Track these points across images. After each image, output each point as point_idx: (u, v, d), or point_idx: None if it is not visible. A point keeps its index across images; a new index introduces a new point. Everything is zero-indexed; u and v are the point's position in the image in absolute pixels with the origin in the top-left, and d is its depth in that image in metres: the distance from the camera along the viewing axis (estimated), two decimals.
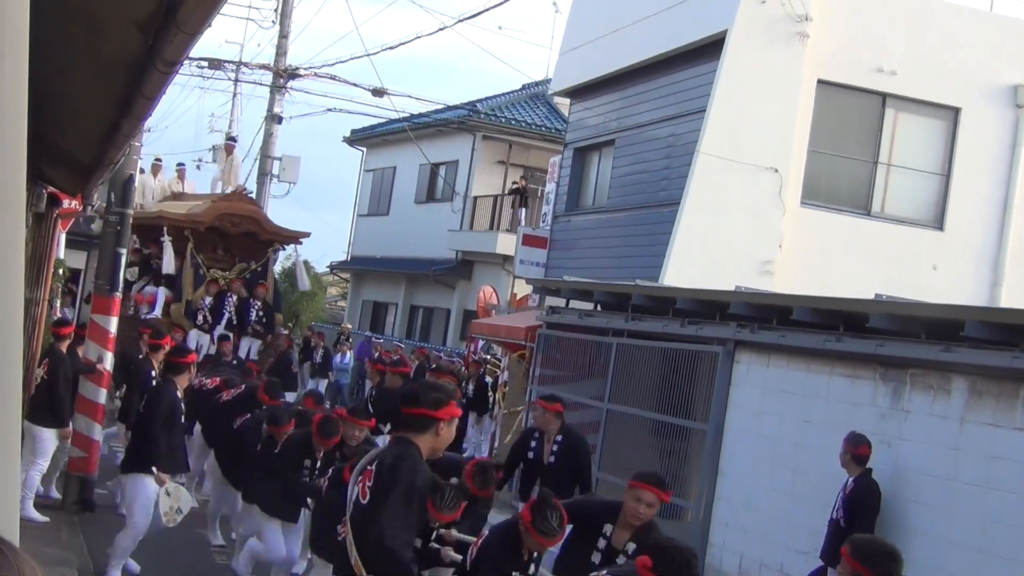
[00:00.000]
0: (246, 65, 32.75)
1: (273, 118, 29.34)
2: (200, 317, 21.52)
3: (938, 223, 20.21)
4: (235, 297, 21.87)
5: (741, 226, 18.90)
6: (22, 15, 2.08)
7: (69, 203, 14.26)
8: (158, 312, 21.56)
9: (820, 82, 19.40)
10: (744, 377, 12.45)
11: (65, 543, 11.44)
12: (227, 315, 21.71)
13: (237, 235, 22.48)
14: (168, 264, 21.80)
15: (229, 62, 32.80)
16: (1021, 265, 20.05)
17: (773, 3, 18.80)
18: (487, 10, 37.73)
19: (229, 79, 33.68)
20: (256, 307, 22.05)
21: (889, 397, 10.22)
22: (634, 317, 14.91)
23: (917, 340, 9.92)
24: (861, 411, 10.51)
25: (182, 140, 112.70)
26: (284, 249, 24.41)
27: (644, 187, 21.09)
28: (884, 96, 19.83)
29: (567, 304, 17.53)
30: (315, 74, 29.42)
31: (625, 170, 22.02)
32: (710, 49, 19.42)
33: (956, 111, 20.08)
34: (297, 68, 29.62)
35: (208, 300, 21.67)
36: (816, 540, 10.37)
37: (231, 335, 20.93)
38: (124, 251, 13.59)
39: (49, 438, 12.53)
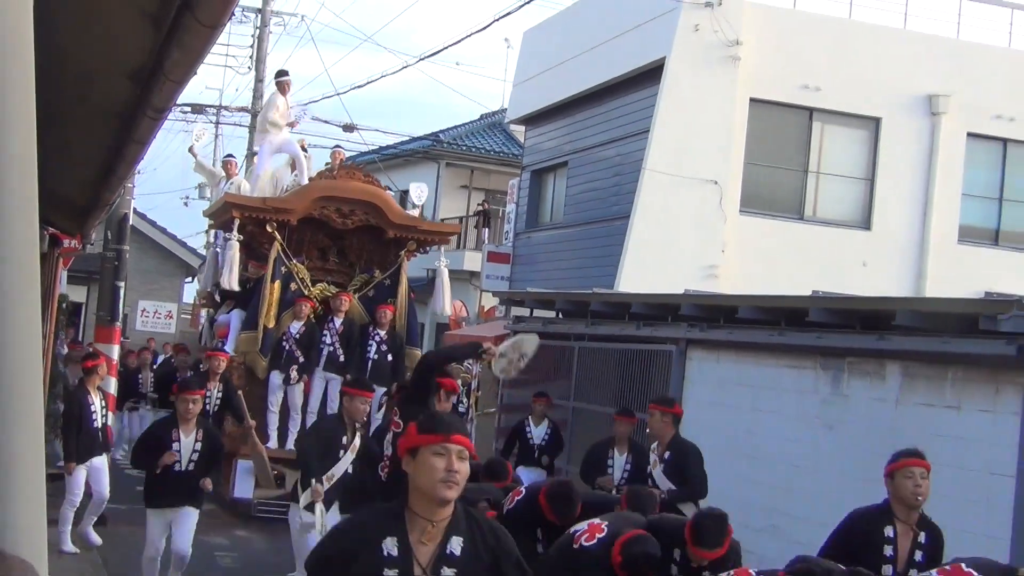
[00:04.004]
0: (226, 108, 32.75)
1: (253, 157, 29.21)
2: (285, 352, 14.13)
3: (865, 223, 20.35)
4: (338, 322, 14.41)
5: (687, 235, 18.96)
6: (27, 70, 2.06)
7: (69, 242, 14.09)
8: (230, 347, 14.31)
9: (752, 100, 19.50)
10: (697, 373, 12.47)
11: (80, 556, 11.30)
12: (327, 350, 14.34)
13: (351, 231, 14.94)
14: (230, 275, 14.32)
15: (210, 106, 32.82)
16: (942, 258, 20.21)
17: (706, 30, 18.90)
18: (445, 48, 38.16)
19: (211, 122, 33.60)
20: (378, 339, 14.52)
21: (830, 384, 10.26)
22: (593, 322, 14.91)
23: (853, 331, 9.97)
24: (806, 398, 10.56)
25: (169, 179, 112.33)
26: (424, 252, 16.19)
27: (597, 203, 21.12)
28: (811, 110, 19.97)
29: (531, 313, 17.51)
30: None
31: (578, 188, 22.06)
32: (651, 75, 19.51)
33: (877, 121, 20.23)
34: None
35: (297, 327, 14.21)
36: (769, 518, 10.42)
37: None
38: (122, 284, 13.48)
39: (78, 471, 11.41)
